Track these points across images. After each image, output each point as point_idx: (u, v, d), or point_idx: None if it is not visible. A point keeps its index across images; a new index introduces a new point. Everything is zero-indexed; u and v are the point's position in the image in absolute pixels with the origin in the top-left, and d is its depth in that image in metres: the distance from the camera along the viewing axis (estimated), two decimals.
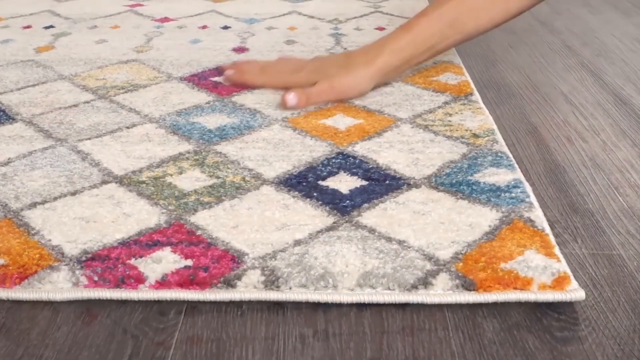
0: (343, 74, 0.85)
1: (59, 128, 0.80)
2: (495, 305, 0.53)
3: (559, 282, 0.53)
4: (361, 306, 0.53)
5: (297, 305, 0.53)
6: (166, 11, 1.27)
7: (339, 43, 1.09)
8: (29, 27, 1.17)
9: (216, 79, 0.94)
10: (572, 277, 0.54)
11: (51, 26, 1.18)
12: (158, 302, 0.54)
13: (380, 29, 1.16)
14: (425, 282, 0.53)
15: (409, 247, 0.57)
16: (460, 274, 0.54)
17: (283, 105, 0.83)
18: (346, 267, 0.55)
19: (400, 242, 0.58)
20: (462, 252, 0.57)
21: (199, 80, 0.93)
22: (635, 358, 0.48)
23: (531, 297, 0.53)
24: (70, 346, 0.49)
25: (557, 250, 0.57)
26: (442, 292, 0.53)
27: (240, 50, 1.05)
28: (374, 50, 0.86)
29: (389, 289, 0.53)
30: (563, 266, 0.55)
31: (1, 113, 0.84)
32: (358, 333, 0.51)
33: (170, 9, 1.28)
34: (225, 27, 1.17)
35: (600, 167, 0.74)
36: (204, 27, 1.18)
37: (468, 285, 0.53)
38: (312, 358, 0.48)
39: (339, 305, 0.53)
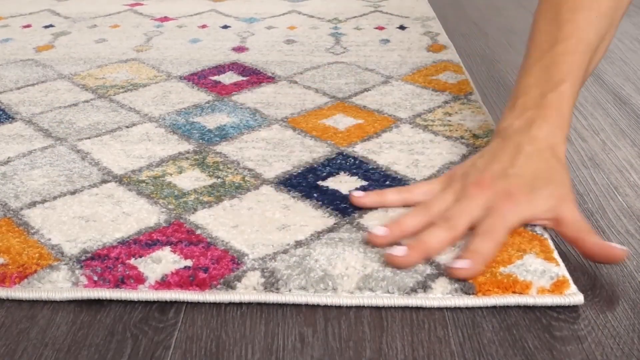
0: (562, 182, 0.61)
1: (59, 127, 0.80)
2: (494, 304, 0.53)
3: (558, 286, 0.53)
4: (361, 306, 0.53)
5: (297, 305, 0.53)
6: (166, 10, 1.27)
7: (339, 42, 1.09)
8: (28, 26, 1.17)
9: (216, 78, 0.94)
10: (570, 281, 0.54)
11: (51, 25, 1.18)
12: (158, 302, 0.54)
13: (380, 28, 1.16)
14: (424, 285, 0.53)
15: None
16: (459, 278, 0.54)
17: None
18: (346, 269, 0.55)
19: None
20: None
21: (198, 79, 0.94)
22: (635, 357, 0.48)
23: (530, 301, 0.53)
24: (70, 345, 0.49)
25: (556, 254, 0.57)
26: (442, 295, 0.53)
27: (239, 49, 1.05)
28: (554, 146, 0.63)
29: (388, 292, 0.53)
30: (562, 270, 0.55)
31: (1, 112, 0.84)
32: (357, 332, 0.51)
33: (169, 8, 1.29)
34: (225, 27, 1.17)
35: (599, 166, 0.74)
36: (204, 26, 1.18)
37: (467, 289, 0.53)
38: (311, 357, 0.48)
39: (339, 305, 0.53)
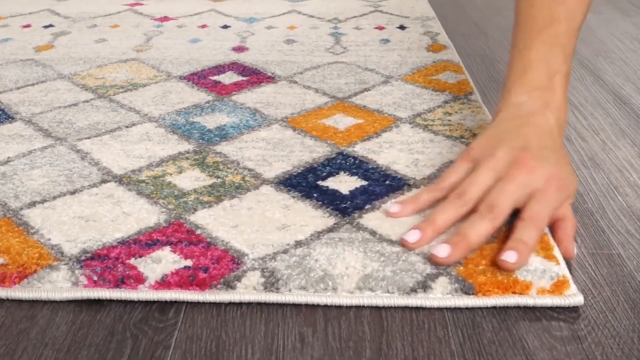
0: (565, 170, 0.61)
1: (59, 127, 0.80)
2: (494, 304, 0.53)
3: (558, 286, 0.53)
4: (361, 306, 0.53)
5: (297, 304, 0.53)
6: (166, 10, 1.27)
7: (339, 42, 1.09)
8: (28, 26, 1.17)
9: (215, 78, 0.94)
10: (571, 282, 0.54)
11: (51, 25, 1.18)
12: (158, 301, 0.54)
13: (380, 28, 1.16)
14: (424, 285, 0.53)
15: (410, 251, 0.57)
16: (460, 278, 0.54)
17: (568, 254, 0.57)
18: (346, 269, 0.55)
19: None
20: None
21: (198, 79, 0.93)
22: (635, 357, 0.48)
23: (530, 302, 0.53)
24: (70, 345, 0.49)
25: (556, 251, 0.57)
26: (442, 295, 0.53)
27: (239, 49, 1.05)
28: (560, 147, 0.64)
29: (388, 292, 0.53)
30: (562, 269, 0.55)
31: (1, 112, 0.84)
32: (357, 332, 0.51)
33: (169, 8, 1.28)
34: (225, 27, 1.17)
35: (599, 166, 0.74)
36: (204, 26, 1.18)
37: (467, 289, 0.53)
38: (311, 357, 0.48)
39: (339, 305, 0.53)
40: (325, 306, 0.53)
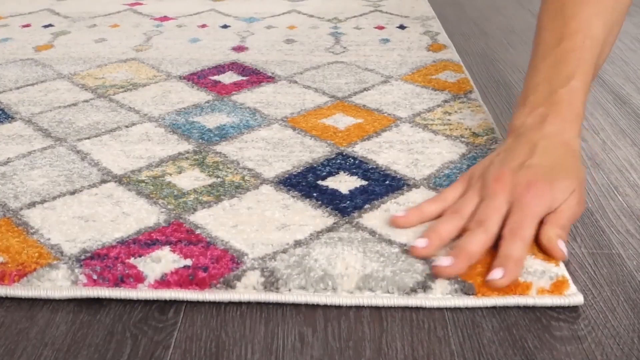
0: (578, 175, 0.61)
1: (58, 127, 0.80)
2: (494, 304, 0.53)
3: (558, 286, 0.53)
4: (360, 306, 0.53)
5: (297, 304, 0.53)
6: (165, 10, 1.27)
7: (339, 42, 1.09)
8: (28, 25, 1.17)
9: (215, 77, 0.94)
10: (570, 282, 0.54)
11: (50, 25, 1.18)
12: (157, 301, 0.54)
13: (380, 27, 1.16)
14: (424, 285, 0.53)
15: (419, 258, 0.56)
16: (459, 278, 0.54)
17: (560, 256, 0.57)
18: (346, 269, 0.55)
19: (401, 245, 0.58)
20: None
21: (198, 79, 0.93)
22: (635, 357, 0.48)
23: (530, 302, 0.53)
24: (70, 345, 0.49)
25: None
26: (441, 295, 0.53)
27: (239, 49, 1.05)
28: (568, 141, 0.63)
29: (388, 292, 0.53)
30: (562, 270, 0.55)
31: (0, 112, 0.84)
32: (357, 332, 0.51)
33: (169, 7, 1.28)
34: (225, 26, 1.17)
35: (599, 166, 0.74)
36: (204, 26, 1.18)
37: (467, 290, 0.53)
38: (311, 357, 0.48)
39: (339, 305, 0.53)
40: (325, 306, 0.53)
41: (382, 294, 0.53)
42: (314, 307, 0.53)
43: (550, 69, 0.66)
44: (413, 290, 0.53)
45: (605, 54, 0.70)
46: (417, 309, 0.53)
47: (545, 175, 0.59)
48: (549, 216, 0.58)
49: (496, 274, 0.53)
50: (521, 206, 0.57)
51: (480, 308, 0.53)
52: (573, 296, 0.53)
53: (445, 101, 0.86)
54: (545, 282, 0.53)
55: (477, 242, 0.56)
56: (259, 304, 0.54)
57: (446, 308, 0.53)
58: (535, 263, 0.55)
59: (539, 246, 0.57)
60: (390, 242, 0.58)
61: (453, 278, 0.54)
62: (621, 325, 0.51)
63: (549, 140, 0.62)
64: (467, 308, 0.53)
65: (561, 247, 0.56)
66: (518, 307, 0.53)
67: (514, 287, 0.53)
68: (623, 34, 1.16)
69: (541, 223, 0.57)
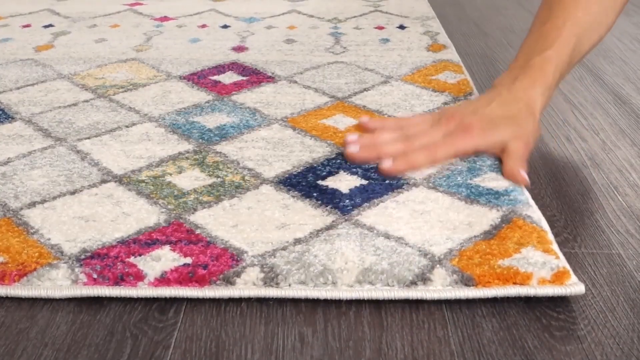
0: (523, 125, 0.70)
1: (58, 127, 0.80)
2: (494, 304, 0.53)
3: (559, 276, 0.53)
4: (360, 305, 0.53)
5: (296, 304, 0.53)
6: (166, 10, 1.27)
7: (339, 42, 1.09)
8: (28, 25, 1.17)
9: (215, 77, 0.94)
10: (571, 272, 0.54)
11: (50, 25, 1.18)
12: (157, 301, 0.54)
13: (380, 28, 1.16)
14: (423, 278, 0.53)
15: (406, 244, 0.57)
16: (457, 269, 0.54)
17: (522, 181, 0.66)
18: (345, 264, 0.55)
19: (397, 239, 0.58)
20: (457, 248, 0.57)
21: (198, 79, 0.93)
22: (635, 357, 0.48)
23: (531, 292, 0.53)
24: (70, 345, 0.49)
25: (554, 246, 0.57)
26: (442, 287, 0.53)
27: (239, 49, 1.05)
28: (530, 97, 0.72)
29: (388, 285, 0.53)
30: (562, 262, 0.55)
31: (0, 112, 0.84)
32: (357, 332, 0.51)
33: (169, 7, 1.28)
34: (225, 26, 1.17)
35: (599, 166, 0.74)
36: (204, 26, 1.18)
37: (467, 281, 0.53)
38: (311, 357, 0.48)
39: (338, 304, 0.53)
40: (325, 306, 0.53)
41: (382, 287, 0.53)
42: (314, 307, 0.53)
43: (532, 43, 0.76)
44: (413, 283, 0.53)
45: (593, 40, 0.76)
46: (417, 308, 0.53)
47: (485, 122, 0.69)
48: (503, 155, 0.68)
49: (385, 163, 0.67)
50: (447, 140, 0.69)
51: (480, 307, 0.53)
52: (574, 286, 0.53)
53: (445, 103, 0.86)
54: (546, 273, 0.54)
55: (394, 145, 0.69)
56: (259, 303, 0.54)
57: (446, 307, 0.53)
58: (535, 255, 0.56)
59: (506, 178, 0.66)
60: (387, 237, 0.58)
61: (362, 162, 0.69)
62: (621, 325, 0.51)
63: (511, 94, 0.71)
64: (467, 308, 0.53)
65: (522, 174, 0.65)
66: (518, 307, 0.53)
67: (514, 276, 0.53)
68: (623, 34, 1.16)
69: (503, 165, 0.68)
